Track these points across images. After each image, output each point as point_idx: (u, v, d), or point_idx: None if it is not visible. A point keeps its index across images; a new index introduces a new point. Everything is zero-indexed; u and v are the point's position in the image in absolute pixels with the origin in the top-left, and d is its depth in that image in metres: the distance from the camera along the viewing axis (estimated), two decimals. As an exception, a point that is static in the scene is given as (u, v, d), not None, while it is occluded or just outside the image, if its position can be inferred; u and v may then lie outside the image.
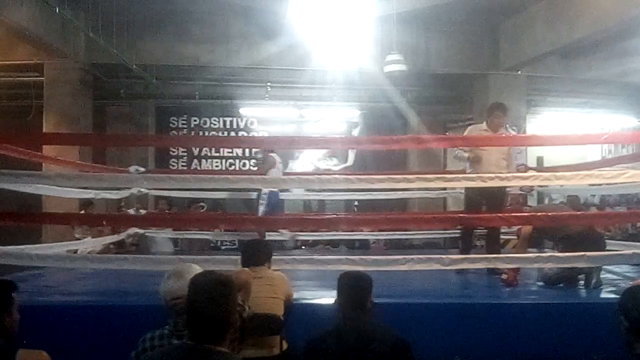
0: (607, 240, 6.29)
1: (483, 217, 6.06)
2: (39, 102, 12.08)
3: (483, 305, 4.84)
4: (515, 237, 9.56)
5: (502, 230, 7.41)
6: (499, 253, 6.24)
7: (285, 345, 3.97)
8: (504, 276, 5.57)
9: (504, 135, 6.80)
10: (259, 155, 10.17)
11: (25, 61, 11.75)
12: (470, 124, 7.34)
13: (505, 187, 6.75)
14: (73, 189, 7.38)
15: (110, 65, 12.14)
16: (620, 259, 5.70)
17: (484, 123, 6.64)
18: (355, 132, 14.83)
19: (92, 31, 9.73)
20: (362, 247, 10.76)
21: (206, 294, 2.32)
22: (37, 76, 12.15)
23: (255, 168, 8.98)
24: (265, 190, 8.26)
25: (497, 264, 5.58)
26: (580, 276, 5.51)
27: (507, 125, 11.97)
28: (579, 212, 5.92)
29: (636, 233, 13.28)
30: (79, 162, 9.57)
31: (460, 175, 5.97)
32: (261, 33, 11.72)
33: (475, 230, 7.13)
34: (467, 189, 6.47)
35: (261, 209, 8.45)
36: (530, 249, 6.28)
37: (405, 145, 10.95)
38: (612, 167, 7.54)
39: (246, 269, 4.07)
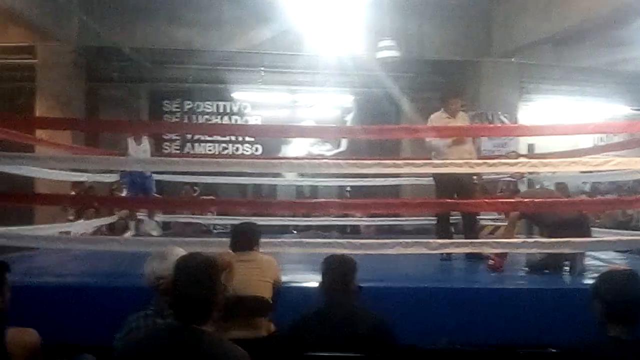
0: (595, 228, 6.36)
1: (470, 203, 6.12)
2: (31, 84, 12.07)
3: (469, 290, 4.91)
4: (504, 224, 9.68)
5: (488, 217, 7.47)
6: (477, 239, 6.31)
7: (273, 328, 4.03)
8: (491, 262, 5.63)
9: (462, 118, 6.88)
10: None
11: (18, 43, 11.75)
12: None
13: (473, 175, 6.85)
14: (66, 172, 7.42)
15: (103, 49, 12.16)
16: (604, 245, 5.79)
17: (441, 110, 6.73)
18: (349, 118, 14.88)
19: (86, 14, 9.74)
20: (354, 232, 10.83)
21: (192, 275, 2.38)
22: (29, 59, 12.14)
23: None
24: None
25: (483, 249, 5.66)
26: (565, 262, 5.58)
27: (499, 113, 12.11)
28: (564, 199, 5.96)
29: (626, 221, 13.41)
30: (71, 145, 9.59)
31: (448, 161, 6.02)
32: (255, 17, 11.71)
33: (451, 218, 7.11)
34: (436, 179, 6.55)
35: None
36: (518, 235, 6.34)
37: (398, 135, 11.03)
38: (601, 154, 7.62)
39: (229, 251, 4.12)
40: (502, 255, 5.62)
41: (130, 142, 8.15)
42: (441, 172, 5.84)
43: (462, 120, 6.82)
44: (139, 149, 8.18)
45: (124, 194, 8.51)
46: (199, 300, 2.35)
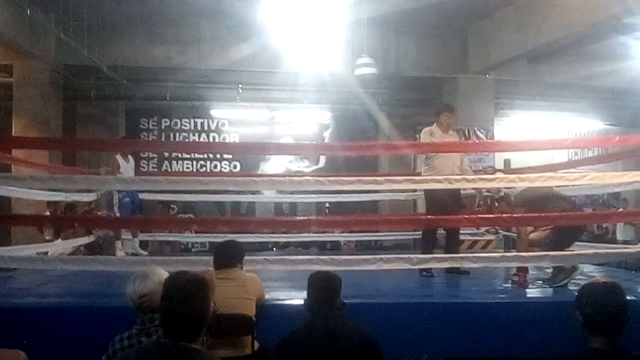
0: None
1: (450, 219, 6.17)
2: (8, 103, 11.98)
3: (450, 305, 4.94)
4: (482, 239, 9.78)
5: (465, 232, 7.51)
6: (458, 253, 6.36)
7: (257, 345, 4.03)
8: (515, 278, 5.62)
9: (453, 135, 6.96)
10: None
11: (-5, 62, 11.67)
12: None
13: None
14: (44, 191, 7.36)
15: (80, 67, 12.08)
16: (582, 258, 5.86)
17: (434, 125, 6.80)
18: (327, 134, 14.93)
19: (63, 32, 9.69)
20: (334, 248, 10.85)
21: (182, 293, 2.39)
22: (6, 77, 12.05)
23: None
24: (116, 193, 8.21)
25: (463, 264, 5.71)
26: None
27: (475, 128, 12.23)
28: (546, 214, 6.00)
29: (602, 234, 13.60)
30: (49, 164, 9.52)
31: (428, 177, 6.08)
32: (233, 35, 11.76)
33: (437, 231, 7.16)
34: (428, 193, 6.58)
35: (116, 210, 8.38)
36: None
37: (377, 152, 11.12)
38: (576, 169, 7.73)
39: (209, 269, 4.14)
40: (525, 271, 5.63)
41: (120, 159, 8.20)
42: (421, 187, 5.89)
43: (452, 138, 6.90)
44: (128, 167, 8.30)
45: (117, 213, 8.41)
46: (190, 317, 2.36)
